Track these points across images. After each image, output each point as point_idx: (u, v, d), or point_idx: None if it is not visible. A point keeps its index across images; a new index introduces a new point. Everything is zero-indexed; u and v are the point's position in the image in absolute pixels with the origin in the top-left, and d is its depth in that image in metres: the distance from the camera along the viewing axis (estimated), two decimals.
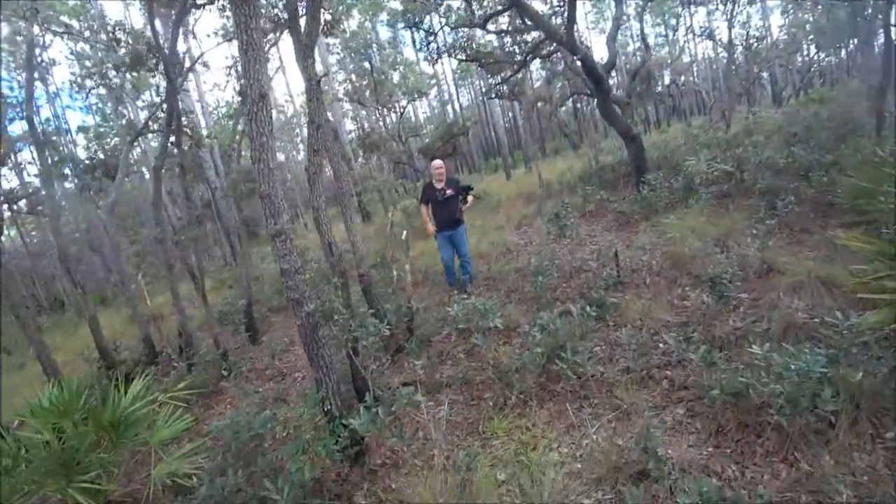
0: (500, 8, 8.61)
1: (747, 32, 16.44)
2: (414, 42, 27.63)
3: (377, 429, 2.54)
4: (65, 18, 10.28)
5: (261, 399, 4.29)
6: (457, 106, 30.45)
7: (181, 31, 6.91)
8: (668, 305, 3.93)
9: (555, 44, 8.16)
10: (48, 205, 7.45)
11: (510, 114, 25.47)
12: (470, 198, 5.34)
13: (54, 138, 16.72)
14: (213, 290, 11.37)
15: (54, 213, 6.95)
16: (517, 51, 10.28)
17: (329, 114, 8.99)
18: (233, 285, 10.12)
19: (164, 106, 6.42)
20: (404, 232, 4.67)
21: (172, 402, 3.90)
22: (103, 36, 8.75)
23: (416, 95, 18.01)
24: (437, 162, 5.58)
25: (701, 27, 22.40)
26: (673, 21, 25.23)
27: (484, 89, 21.32)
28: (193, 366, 5.06)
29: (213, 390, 4.90)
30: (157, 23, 5.81)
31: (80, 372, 6.42)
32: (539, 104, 16.24)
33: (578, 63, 7.89)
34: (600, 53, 29.66)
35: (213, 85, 33.74)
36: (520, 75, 13.13)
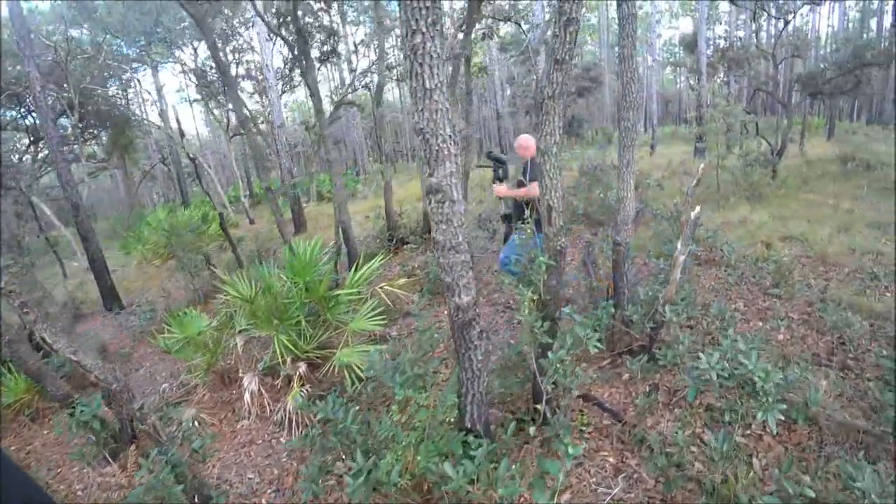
0: None
1: None
2: None
3: (483, 486, 2.19)
4: None
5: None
6: (888, 19, 20.21)
7: None
8: None
9: None
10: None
11: None
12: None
13: None
14: None
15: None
16: None
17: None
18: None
19: None
20: (697, 208, 2.90)
21: (391, 291, 4.29)
22: None
23: None
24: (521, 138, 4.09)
25: None
26: None
27: None
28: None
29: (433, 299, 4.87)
30: None
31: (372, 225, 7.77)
32: None
33: None
34: None
35: None
36: None
